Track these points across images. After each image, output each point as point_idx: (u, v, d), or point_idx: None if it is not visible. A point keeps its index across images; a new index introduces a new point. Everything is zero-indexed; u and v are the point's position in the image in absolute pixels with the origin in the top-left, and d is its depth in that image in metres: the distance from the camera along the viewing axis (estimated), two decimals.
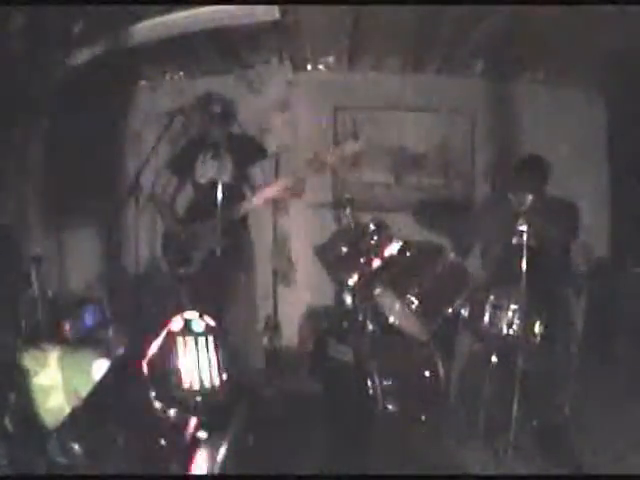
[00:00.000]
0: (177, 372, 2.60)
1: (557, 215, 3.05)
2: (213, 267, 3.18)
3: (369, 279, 3.17)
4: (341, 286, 3.45)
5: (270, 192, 3.29)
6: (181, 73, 4.75)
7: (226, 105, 3.42)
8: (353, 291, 3.31)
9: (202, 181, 3.38)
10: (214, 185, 3.14)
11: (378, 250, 3.22)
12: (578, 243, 3.35)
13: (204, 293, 3.23)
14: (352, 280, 3.26)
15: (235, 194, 3.34)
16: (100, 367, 2.64)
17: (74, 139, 4.31)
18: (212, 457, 2.44)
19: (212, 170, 3.32)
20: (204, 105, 3.35)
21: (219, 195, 3.08)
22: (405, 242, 3.24)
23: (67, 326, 3.04)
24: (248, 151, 3.43)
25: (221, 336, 2.64)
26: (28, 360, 2.56)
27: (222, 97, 3.44)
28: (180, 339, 2.59)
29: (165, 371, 2.61)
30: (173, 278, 3.46)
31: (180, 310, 2.65)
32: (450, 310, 3.04)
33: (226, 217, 3.16)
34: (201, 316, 2.60)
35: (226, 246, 3.15)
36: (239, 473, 2.46)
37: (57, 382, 2.53)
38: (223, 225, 3.11)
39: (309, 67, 4.72)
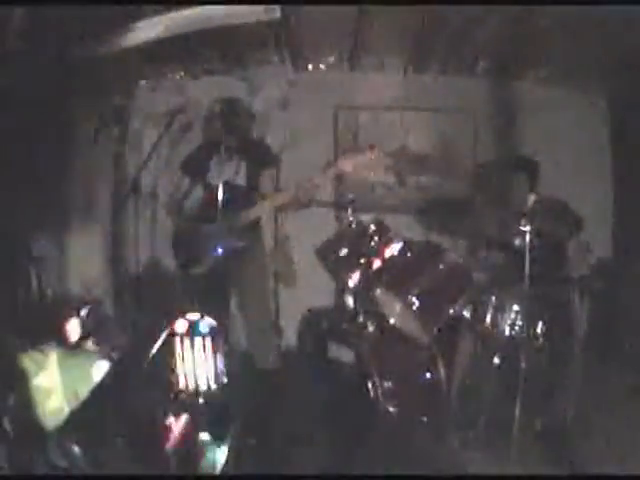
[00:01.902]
0: (178, 373, 2.60)
1: (559, 215, 3.04)
2: (223, 268, 3.26)
3: (370, 280, 3.16)
4: (342, 287, 3.43)
5: (280, 199, 3.35)
6: (181, 73, 4.74)
7: (245, 110, 3.55)
8: (354, 292, 3.29)
9: (214, 182, 3.39)
10: (225, 187, 3.24)
11: (379, 251, 3.21)
12: (576, 242, 3.34)
13: (212, 294, 3.29)
14: (353, 281, 3.25)
15: (245, 197, 3.39)
16: (100, 368, 2.63)
17: (74, 138, 4.30)
18: (212, 457, 2.43)
19: (225, 173, 3.37)
20: (223, 108, 3.43)
21: (229, 197, 3.20)
22: (406, 243, 3.23)
23: (67, 326, 3.03)
24: (261, 157, 3.52)
25: (223, 337, 2.64)
26: (28, 361, 2.55)
27: (241, 102, 3.57)
28: (183, 340, 2.59)
29: (166, 372, 2.60)
30: (183, 278, 3.49)
31: (183, 311, 2.65)
32: (451, 311, 3.02)
33: (235, 220, 3.27)
34: (203, 317, 2.59)
35: (236, 248, 3.27)
36: (239, 473, 2.45)
37: (57, 383, 2.52)
38: (233, 228, 3.25)
39: (310, 67, 4.70)
